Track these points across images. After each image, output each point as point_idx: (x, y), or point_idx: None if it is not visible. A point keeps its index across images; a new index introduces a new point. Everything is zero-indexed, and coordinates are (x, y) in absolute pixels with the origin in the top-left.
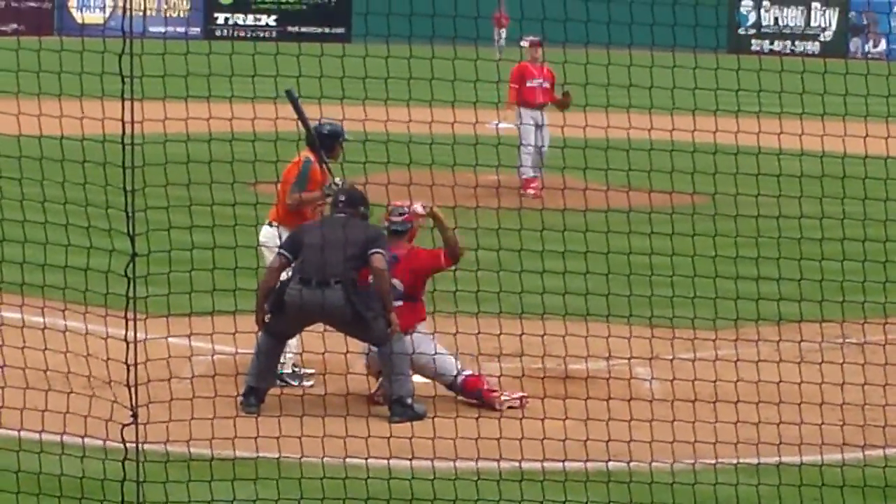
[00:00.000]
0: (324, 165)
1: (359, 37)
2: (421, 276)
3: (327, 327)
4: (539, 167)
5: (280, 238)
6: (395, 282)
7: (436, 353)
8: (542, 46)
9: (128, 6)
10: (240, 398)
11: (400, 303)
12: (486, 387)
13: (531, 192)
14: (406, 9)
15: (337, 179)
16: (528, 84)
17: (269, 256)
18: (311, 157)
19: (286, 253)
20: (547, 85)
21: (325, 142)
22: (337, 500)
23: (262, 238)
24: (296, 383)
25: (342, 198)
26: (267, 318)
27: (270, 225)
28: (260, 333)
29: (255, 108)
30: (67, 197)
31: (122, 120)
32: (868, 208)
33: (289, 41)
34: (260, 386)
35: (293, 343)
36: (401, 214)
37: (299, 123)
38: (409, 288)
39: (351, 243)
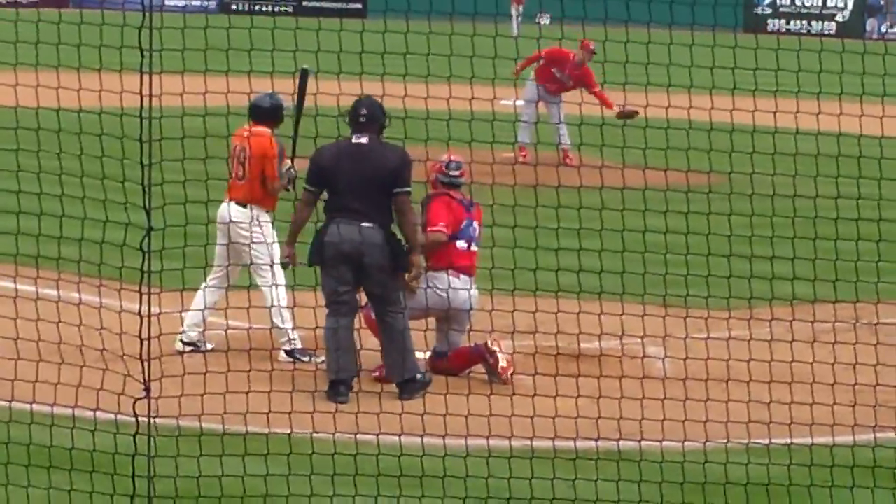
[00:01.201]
0: (293, 141)
1: (375, 12)
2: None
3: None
4: (531, 126)
5: (257, 221)
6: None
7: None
8: (594, 53)
9: None
10: (327, 392)
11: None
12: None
13: (524, 157)
14: None
15: (287, 161)
16: (554, 71)
17: (242, 236)
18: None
19: (312, 188)
20: (570, 84)
21: (273, 114)
22: (348, 476)
23: (237, 217)
24: (306, 359)
25: (363, 111)
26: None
27: (242, 205)
28: (326, 318)
29: (273, 83)
30: (84, 170)
31: (140, 93)
32: (883, 189)
33: (305, 16)
34: (344, 378)
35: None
36: (458, 168)
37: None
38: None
39: (386, 174)
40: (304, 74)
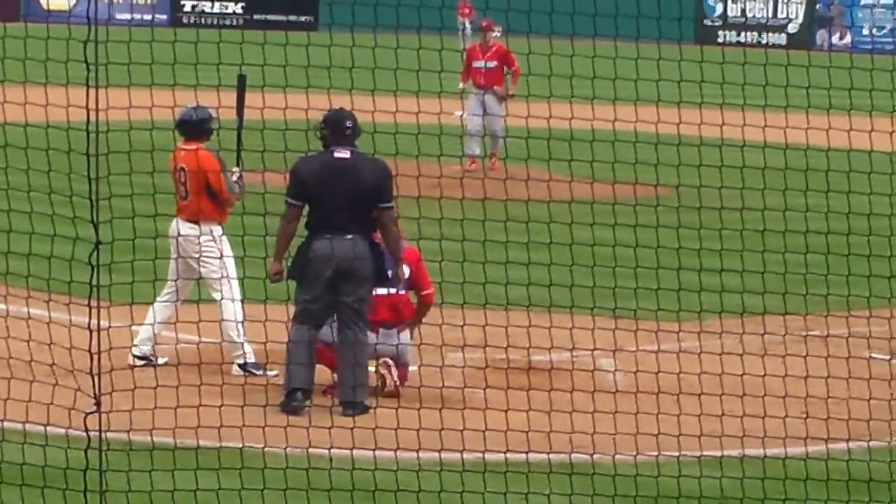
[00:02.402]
0: (237, 148)
1: (325, 25)
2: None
3: None
4: (481, 136)
5: (210, 236)
6: (406, 269)
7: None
8: (491, 29)
9: None
10: (282, 401)
11: (403, 291)
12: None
13: (472, 167)
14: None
15: (235, 169)
16: (474, 65)
17: (193, 251)
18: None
19: (295, 201)
20: (493, 65)
21: (200, 127)
22: (300, 490)
23: (187, 233)
24: (260, 373)
25: (349, 123)
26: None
27: (193, 222)
28: (290, 328)
29: (219, 96)
30: (31, 184)
31: (87, 108)
32: (830, 201)
33: (256, 29)
34: (301, 387)
35: (241, 334)
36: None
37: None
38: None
39: (364, 188)
40: (242, 81)
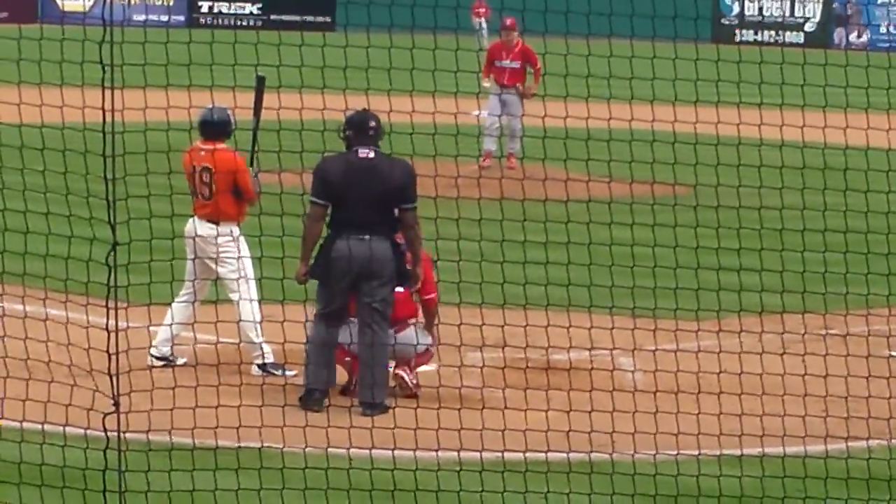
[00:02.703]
0: (252, 151)
1: (343, 26)
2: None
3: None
4: (497, 137)
5: (230, 236)
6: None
7: (418, 343)
8: (514, 28)
9: None
10: (301, 399)
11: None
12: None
13: (487, 163)
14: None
15: (250, 169)
16: (497, 64)
17: (211, 251)
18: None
19: (320, 201)
20: (516, 65)
21: (223, 127)
22: (319, 490)
23: (206, 233)
24: (279, 373)
25: (372, 124)
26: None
27: (214, 222)
28: (309, 327)
29: (235, 97)
30: (48, 185)
31: (103, 109)
32: (849, 199)
33: (273, 30)
34: (320, 388)
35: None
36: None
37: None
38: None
39: (394, 188)
40: (261, 82)
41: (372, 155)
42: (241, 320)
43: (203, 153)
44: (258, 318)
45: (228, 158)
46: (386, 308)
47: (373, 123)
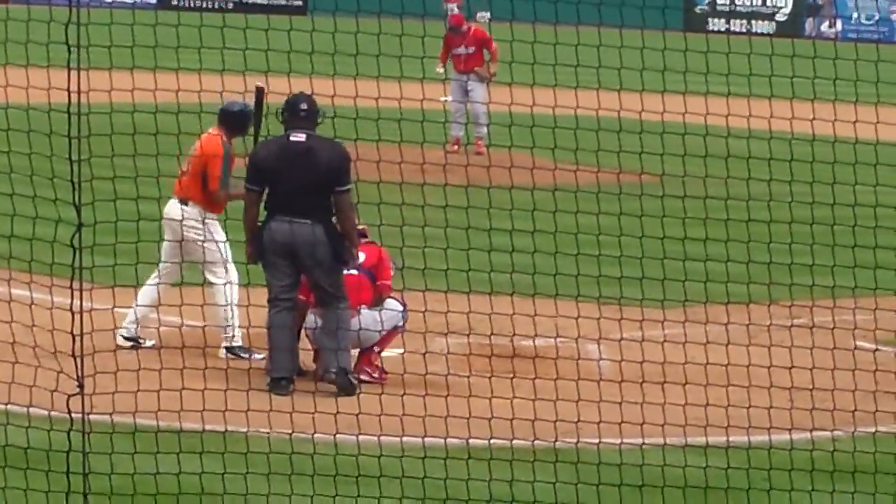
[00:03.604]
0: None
1: (315, 10)
2: (381, 268)
3: None
4: (463, 124)
5: (202, 221)
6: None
7: (382, 329)
8: (461, 24)
9: None
10: (269, 384)
11: (355, 272)
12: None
13: (454, 149)
14: None
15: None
16: (453, 52)
17: (189, 234)
18: (225, 138)
19: (254, 186)
20: (471, 50)
21: (235, 119)
22: (283, 475)
23: (174, 214)
24: (245, 356)
25: (304, 105)
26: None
27: (184, 202)
28: (267, 317)
29: (200, 80)
30: (13, 166)
31: (69, 90)
32: (815, 189)
33: (246, 13)
34: (286, 375)
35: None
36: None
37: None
38: (370, 267)
39: (326, 170)
40: (259, 93)
41: (303, 138)
42: (215, 304)
43: (204, 136)
44: (235, 300)
45: (212, 142)
46: (336, 289)
47: (304, 106)
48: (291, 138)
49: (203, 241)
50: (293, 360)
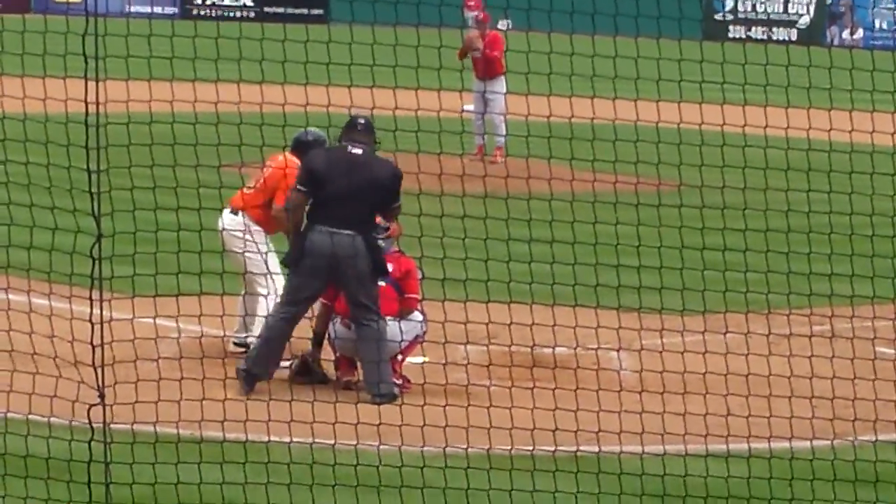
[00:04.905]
0: None
1: (337, 20)
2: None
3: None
4: (482, 134)
5: (245, 227)
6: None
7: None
8: (488, 21)
9: None
10: (239, 373)
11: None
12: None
13: (475, 158)
14: None
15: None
16: (473, 55)
17: (235, 243)
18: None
19: (304, 188)
20: (488, 52)
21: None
22: (304, 485)
23: (226, 224)
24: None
25: (361, 121)
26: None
27: (234, 212)
28: (268, 318)
29: (217, 90)
30: (31, 177)
31: (86, 101)
32: (833, 199)
33: (267, 22)
34: (258, 373)
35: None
36: (384, 230)
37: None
38: (397, 279)
39: (377, 186)
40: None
41: (359, 151)
42: (254, 314)
43: (281, 158)
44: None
45: (292, 165)
46: (373, 302)
47: (362, 120)
48: (350, 149)
49: (243, 252)
50: (272, 366)
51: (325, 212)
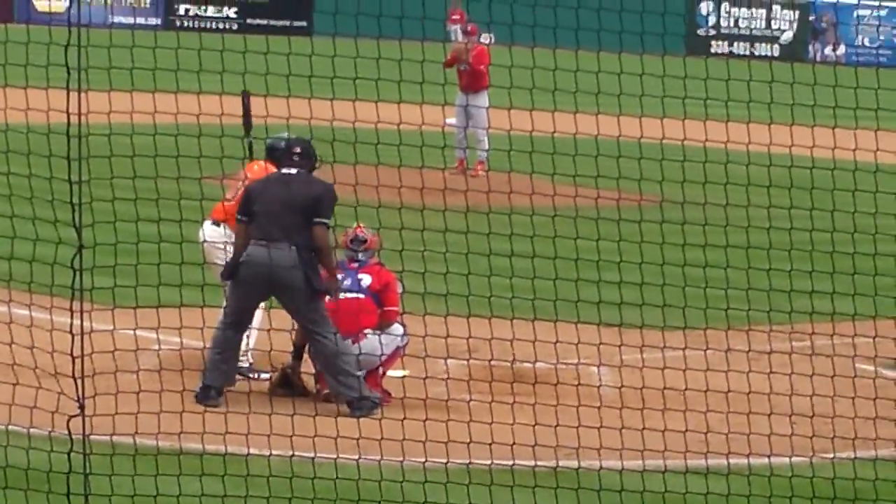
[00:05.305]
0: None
1: (320, 33)
2: (388, 292)
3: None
4: (463, 148)
5: (227, 238)
6: (365, 276)
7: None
8: (475, 34)
9: None
10: (196, 395)
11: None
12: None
13: (455, 172)
14: (370, 8)
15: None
16: (458, 67)
17: (216, 254)
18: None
19: (244, 217)
20: (471, 66)
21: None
22: (283, 498)
23: (207, 235)
24: (253, 376)
25: (297, 150)
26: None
27: (216, 223)
28: (215, 330)
29: (199, 102)
30: (12, 187)
31: (68, 111)
32: (815, 216)
33: (251, 34)
34: (215, 384)
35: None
36: (363, 242)
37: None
38: (376, 291)
39: (311, 199)
40: (246, 96)
41: (293, 171)
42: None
43: (256, 168)
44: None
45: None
46: (312, 315)
47: (297, 149)
48: (282, 170)
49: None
50: (228, 374)
51: (262, 227)
